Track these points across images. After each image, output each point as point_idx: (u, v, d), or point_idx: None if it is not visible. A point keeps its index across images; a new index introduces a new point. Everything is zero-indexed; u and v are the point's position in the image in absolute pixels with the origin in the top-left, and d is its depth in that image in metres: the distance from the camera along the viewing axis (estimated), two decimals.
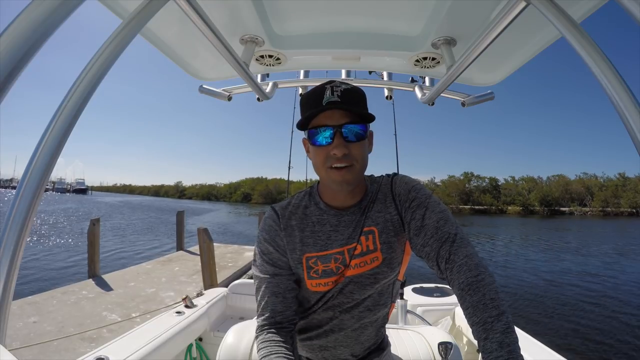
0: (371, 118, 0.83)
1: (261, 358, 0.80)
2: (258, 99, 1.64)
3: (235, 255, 9.77)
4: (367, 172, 0.95)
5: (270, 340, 0.83)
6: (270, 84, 1.70)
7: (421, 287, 2.73)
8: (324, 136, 0.81)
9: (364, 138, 0.83)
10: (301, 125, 0.86)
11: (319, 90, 0.82)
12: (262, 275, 0.90)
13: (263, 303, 0.88)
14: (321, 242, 0.89)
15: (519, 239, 21.10)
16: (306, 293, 0.93)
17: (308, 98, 0.84)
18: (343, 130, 0.80)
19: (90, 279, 6.89)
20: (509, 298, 7.94)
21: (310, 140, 0.84)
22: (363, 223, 0.90)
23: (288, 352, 0.82)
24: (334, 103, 0.79)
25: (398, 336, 1.33)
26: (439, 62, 1.37)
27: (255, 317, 0.91)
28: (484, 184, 69.64)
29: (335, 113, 0.81)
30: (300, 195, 0.97)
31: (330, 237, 0.90)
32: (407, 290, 2.62)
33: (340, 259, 0.88)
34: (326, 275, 0.89)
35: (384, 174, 0.99)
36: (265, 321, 0.87)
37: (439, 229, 0.81)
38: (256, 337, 0.87)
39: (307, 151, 0.92)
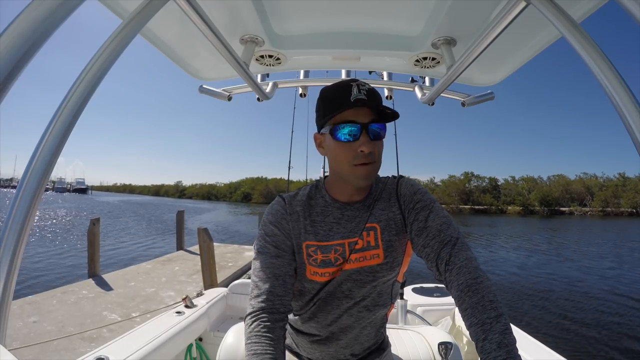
0: (396, 116, 0.84)
1: (249, 354, 0.74)
2: (258, 99, 1.64)
3: (235, 255, 9.77)
4: None
5: (262, 336, 0.76)
6: (270, 84, 1.70)
7: (421, 287, 2.72)
8: (350, 132, 0.81)
9: (383, 137, 0.86)
10: (325, 120, 0.85)
11: (345, 87, 0.82)
12: (263, 256, 0.87)
13: (261, 284, 0.83)
14: (323, 232, 0.90)
15: (519, 238, 21.09)
16: (303, 282, 0.92)
17: (332, 93, 0.85)
18: (370, 128, 0.82)
19: (90, 279, 6.89)
20: (508, 297, 7.95)
21: (334, 136, 0.83)
22: (367, 219, 0.91)
23: (279, 355, 0.76)
24: (362, 101, 0.80)
25: (398, 336, 1.33)
26: (439, 62, 1.37)
27: (249, 299, 0.84)
28: (484, 183, 69.64)
29: (362, 111, 0.82)
30: (307, 187, 0.98)
31: (332, 229, 0.90)
32: (407, 290, 2.62)
33: (340, 250, 0.89)
34: (324, 265, 0.89)
35: (389, 175, 1.00)
36: (263, 303, 0.80)
37: (442, 231, 0.82)
38: (246, 322, 0.80)
39: (319, 146, 0.92)
